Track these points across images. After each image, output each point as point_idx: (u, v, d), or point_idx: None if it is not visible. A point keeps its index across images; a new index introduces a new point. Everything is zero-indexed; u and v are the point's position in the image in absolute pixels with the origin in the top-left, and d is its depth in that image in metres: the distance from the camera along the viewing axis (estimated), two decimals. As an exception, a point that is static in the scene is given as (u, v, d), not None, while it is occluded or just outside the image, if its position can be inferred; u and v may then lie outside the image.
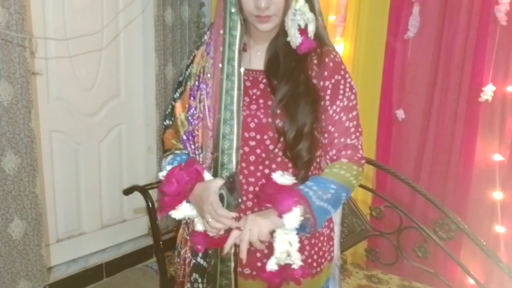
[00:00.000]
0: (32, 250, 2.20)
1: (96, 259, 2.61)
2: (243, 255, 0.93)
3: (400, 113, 2.21)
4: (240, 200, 1.00)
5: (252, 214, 0.96)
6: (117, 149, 2.73)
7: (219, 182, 1.00)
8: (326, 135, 1.06)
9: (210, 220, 0.99)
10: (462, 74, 1.99)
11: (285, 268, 0.98)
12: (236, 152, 1.03)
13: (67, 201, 2.53)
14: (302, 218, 0.94)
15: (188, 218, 1.10)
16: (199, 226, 1.06)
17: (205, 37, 1.09)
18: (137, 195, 1.94)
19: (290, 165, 1.04)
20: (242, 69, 1.04)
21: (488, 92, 1.89)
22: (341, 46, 2.31)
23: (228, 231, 0.98)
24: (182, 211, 1.05)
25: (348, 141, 1.05)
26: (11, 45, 2.01)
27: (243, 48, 1.07)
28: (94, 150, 2.63)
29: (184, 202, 1.04)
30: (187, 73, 1.12)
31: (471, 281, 1.89)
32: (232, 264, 1.07)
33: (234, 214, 0.98)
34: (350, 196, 2.01)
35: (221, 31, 1.03)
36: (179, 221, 1.13)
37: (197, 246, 1.05)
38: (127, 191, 1.99)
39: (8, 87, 2.02)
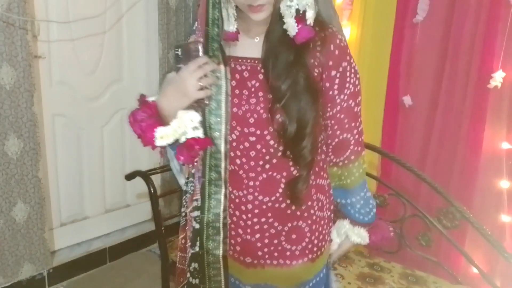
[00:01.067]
0: (36, 233, 2.21)
1: (99, 243, 2.62)
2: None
3: (407, 100, 2.17)
4: (200, 49, 0.96)
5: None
6: (120, 133, 2.71)
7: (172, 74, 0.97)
8: (333, 121, 1.05)
9: (200, 83, 0.94)
10: (471, 59, 1.94)
11: None
12: (224, 141, 1.00)
13: (70, 185, 2.53)
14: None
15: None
16: (189, 134, 0.98)
17: (196, 23, 1.05)
18: (140, 179, 1.94)
19: (291, 157, 1.01)
20: (224, 68, 0.99)
21: (497, 78, 1.84)
22: (348, 30, 2.26)
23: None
24: (162, 132, 0.96)
25: (357, 124, 1.07)
26: (13, 28, 1.99)
27: (236, 38, 1.02)
28: (97, 135, 2.62)
29: (159, 128, 0.96)
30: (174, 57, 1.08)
31: (475, 270, 1.87)
32: (221, 252, 1.05)
33: (204, 59, 0.95)
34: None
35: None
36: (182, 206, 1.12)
37: (180, 156, 0.98)
38: (129, 176, 1.99)
39: (10, 70, 2.01)
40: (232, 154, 1.03)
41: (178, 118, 0.96)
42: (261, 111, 0.99)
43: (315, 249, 1.10)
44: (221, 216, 1.03)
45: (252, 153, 1.02)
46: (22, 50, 2.02)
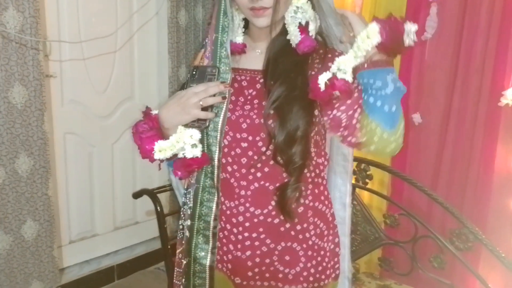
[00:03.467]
0: (45, 251, 2.22)
1: (108, 261, 2.63)
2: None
3: (416, 117, 2.14)
4: (216, 74, 0.98)
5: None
6: (130, 151, 2.73)
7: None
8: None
9: (201, 102, 0.95)
10: (482, 77, 1.91)
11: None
12: (218, 148, 1.00)
13: (80, 203, 2.54)
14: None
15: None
16: (188, 153, 0.99)
17: (206, 39, 1.07)
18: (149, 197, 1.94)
19: (284, 169, 1.00)
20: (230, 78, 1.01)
21: (508, 96, 1.80)
22: (356, 48, 2.25)
23: None
24: (160, 146, 0.98)
25: None
26: (25, 48, 2.03)
27: (243, 51, 1.05)
28: (107, 152, 2.64)
29: (159, 141, 0.98)
30: (188, 76, 1.11)
31: (490, 294, 1.81)
32: (208, 262, 1.04)
33: (215, 83, 0.97)
34: (363, 203, 1.99)
35: (214, 31, 1.02)
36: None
37: (177, 172, 1.00)
38: (136, 195, 1.99)
39: (22, 89, 2.05)
40: (223, 160, 1.02)
41: (178, 133, 0.97)
42: (254, 116, 0.99)
43: (311, 278, 1.05)
44: (211, 225, 1.03)
45: (244, 160, 1.00)
46: (33, 70, 2.06)
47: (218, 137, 0.99)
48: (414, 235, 1.86)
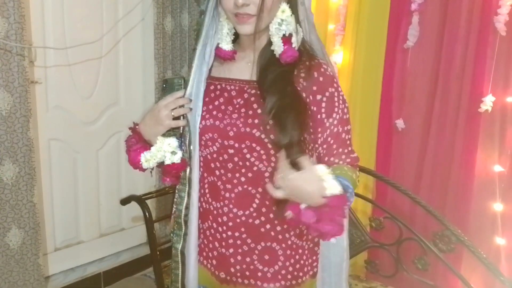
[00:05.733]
0: (30, 259, 2.19)
1: (94, 268, 2.60)
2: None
3: (399, 123, 2.19)
4: (182, 83, 1.08)
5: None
6: (115, 157, 2.71)
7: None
8: (325, 146, 1.07)
9: (173, 113, 1.05)
10: (462, 84, 1.97)
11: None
12: (188, 145, 1.09)
13: (65, 210, 2.51)
14: None
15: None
16: (167, 160, 1.08)
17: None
18: (135, 203, 1.94)
19: (266, 174, 1.05)
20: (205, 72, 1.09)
21: (487, 102, 1.87)
22: (341, 55, 2.30)
23: None
24: (146, 156, 1.08)
25: (346, 151, 1.08)
26: (10, 54, 2.01)
27: (232, 57, 1.09)
28: (92, 158, 2.62)
29: (144, 152, 1.08)
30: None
31: (471, 294, 1.86)
32: (179, 247, 1.13)
33: (181, 93, 1.07)
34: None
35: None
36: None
37: (165, 178, 1.11)
38: (124, 201, 1.99)
39: (6, 96, 2.02)
40: (212, 165, 1.09)
41: (157, 143, 1.08)
42: (240, 125, 1.03)
43: (289, 276, 1.10)
44: (183, 213, 1.12)
45: (230, 165, 1.07)
46: (18, 76, 2.04)
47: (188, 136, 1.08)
48: (398, 238, 1.91)
